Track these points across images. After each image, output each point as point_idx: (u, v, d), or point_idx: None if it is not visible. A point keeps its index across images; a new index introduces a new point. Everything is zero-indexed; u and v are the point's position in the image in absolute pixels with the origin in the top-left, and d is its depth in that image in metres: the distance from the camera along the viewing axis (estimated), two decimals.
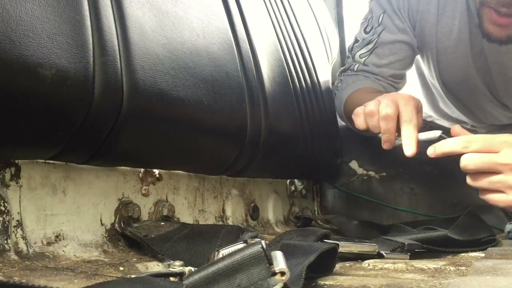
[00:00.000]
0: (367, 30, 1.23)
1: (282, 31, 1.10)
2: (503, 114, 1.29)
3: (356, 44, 1.22)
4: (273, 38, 1.04)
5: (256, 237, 0.62)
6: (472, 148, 0.72)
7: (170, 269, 0.49)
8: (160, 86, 0.66)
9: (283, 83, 1.01)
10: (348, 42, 1.54)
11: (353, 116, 0.94)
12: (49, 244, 0.60)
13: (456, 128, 0.79)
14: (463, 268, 0.58)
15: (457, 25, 1.12)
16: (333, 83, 1.30)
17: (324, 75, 1.27)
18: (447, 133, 0.83)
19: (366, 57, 1.21)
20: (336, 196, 1.30)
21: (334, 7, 1.60)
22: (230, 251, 0.45)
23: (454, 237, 0.76)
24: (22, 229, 0.57)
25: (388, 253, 0.68)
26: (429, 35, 1.17)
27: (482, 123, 1.35)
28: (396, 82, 1.23)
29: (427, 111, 1.40)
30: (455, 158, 1.32)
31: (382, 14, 1.20)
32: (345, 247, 0.66)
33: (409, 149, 0.81)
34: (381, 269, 0.61)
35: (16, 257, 0.54)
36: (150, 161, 0.74)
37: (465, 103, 1.29)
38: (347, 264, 0.65)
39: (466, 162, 0.73)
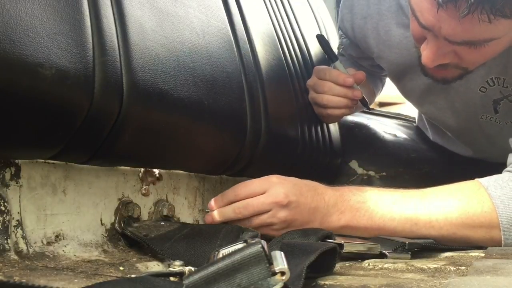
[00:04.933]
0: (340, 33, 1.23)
1: (282, 31, 1.10)
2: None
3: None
4: (273, 37, 1.04)
5: (256, 236, 0.62)
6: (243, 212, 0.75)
7: (170, 269, 0.49)
8: (160, 86, 0.66)
9: (283, 83, 1.01)
10: None
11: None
12: (49, 244, 0.60)
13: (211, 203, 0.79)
14: (463, 268, 0.58)
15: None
16: None
17: None
18: None
19: (341, 49, 1.22)
20: None
21: (334, 7, 1.60)
22: (230, 251, 0.45)
23: None
24: (22, 229, 0.57)
25: (390, 252, 0.69)
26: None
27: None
28: (378, 72, 1.22)
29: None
30: (455, 158, 1.31)
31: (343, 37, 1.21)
32: (349, 247, 0.66)
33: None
34: (381, 268, 0.61)
35: (16, 257, 0.54)
36: (150, 161, 0.74)
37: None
38: (347, 264, 0.65)
39: (240, 211, 0.75)
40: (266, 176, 0.78)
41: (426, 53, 0.81)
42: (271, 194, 0.75)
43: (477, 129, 1.11)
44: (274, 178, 0.77)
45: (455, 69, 0.85)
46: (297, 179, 0.80)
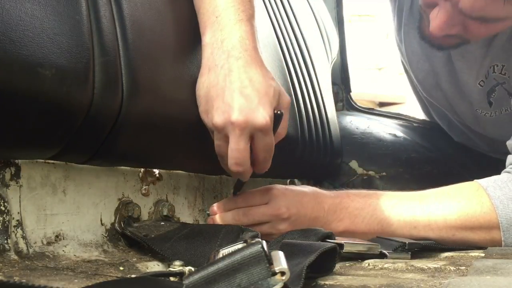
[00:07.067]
0: None
1: (282, 31, 1.10)
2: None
3: None
4: (273, 37, 1.04)
5: (256, 236, 0.62)
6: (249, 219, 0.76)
7: (170, 269, 0.49)
8: (160, 86, 0.66)
9: (282, 83, 1.01)
10: (348, 42, 1.53)
11: None
12: (49, 244, 0.60)
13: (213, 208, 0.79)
14: (463, 268, 0.58)
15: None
16: (333, 83, 1.30)
17: (324, 75, 1.27)
18: None
19: None
20: None
21: (334, 7, 1.59)
22: (230, 251, 0.45)
23: None
24: (22, 229, 0.57)
25: (390, 252, 0.69)
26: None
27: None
28: None
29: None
30: (455, 158, 1.31)
31: None
32: (349, 247, 0.67)
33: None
34: (381, 268, 0.61)
35: (16, 257, 0.54)
36: (150, 161, 0.74)
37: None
38: (347, 264, 0.65)
39: (240, 218, 0.76)
40: (267, 187, 0.78)
41: (436, 22, 0.81)
42: (272, 206, 0.75)
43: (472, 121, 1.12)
44: (275, 190, 0.77)
45: (455, 38, 0.86)
46: (297, 188, 0.80)
